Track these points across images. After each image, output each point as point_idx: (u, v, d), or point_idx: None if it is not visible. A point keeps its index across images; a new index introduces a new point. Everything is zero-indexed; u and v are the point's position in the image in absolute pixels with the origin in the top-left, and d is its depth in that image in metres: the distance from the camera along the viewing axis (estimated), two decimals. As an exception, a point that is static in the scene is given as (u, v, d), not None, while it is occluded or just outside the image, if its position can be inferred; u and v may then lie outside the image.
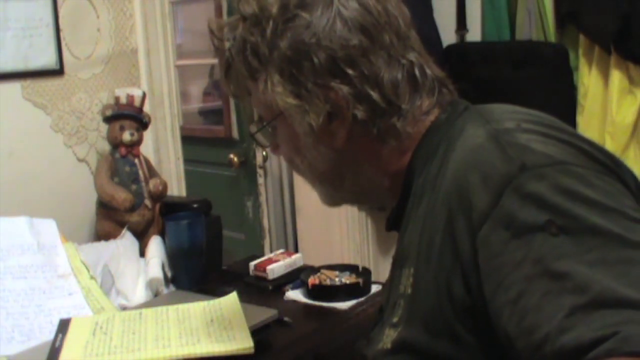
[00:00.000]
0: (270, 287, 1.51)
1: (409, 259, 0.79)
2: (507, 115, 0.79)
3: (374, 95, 0.82)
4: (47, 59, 1.67)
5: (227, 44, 0.88)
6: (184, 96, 3.33)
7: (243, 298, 1.26)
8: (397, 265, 0.84)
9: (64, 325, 1.18)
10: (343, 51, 0.81)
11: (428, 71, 0.86)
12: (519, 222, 0.65)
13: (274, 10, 0.83)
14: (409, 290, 0.77)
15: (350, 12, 0.82)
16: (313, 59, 0.81)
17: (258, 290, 1.51)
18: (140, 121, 1.69)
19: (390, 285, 0.88)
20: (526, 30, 2.31)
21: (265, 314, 1.24)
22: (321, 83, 0.81)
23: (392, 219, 0.91)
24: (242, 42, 0.85)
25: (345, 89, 0.81)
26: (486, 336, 0.68)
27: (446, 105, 0.87)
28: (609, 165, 0.72)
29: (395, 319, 0.79)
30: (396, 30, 0.84)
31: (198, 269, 1.52)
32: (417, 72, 0.84)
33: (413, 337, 0.75)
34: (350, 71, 0.81)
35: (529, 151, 0.70)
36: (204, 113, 3.39)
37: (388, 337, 0.79)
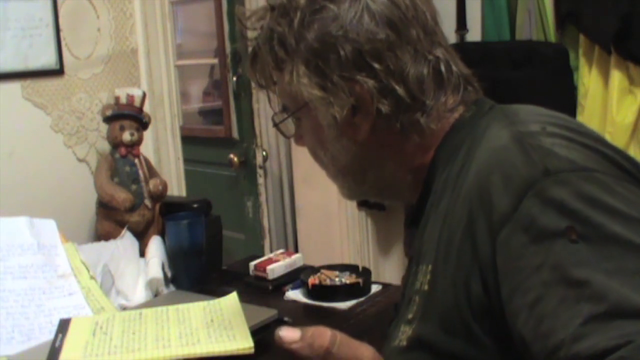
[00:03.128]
0: (270, 287, 1.51)
1: (427, 256, 0.79)
2: (533, 117, 0.78)
3: (399, 90, 0.82)
4: (47, 59, 1.67)
5: (254, 33, 0.88)
6: (184, 96, 3.34)
7: (243, 298, 1.26)
8: (414, 262, 0.83)
9: (64, 325, 1.18)
10: (369, 45, 0.81)
11: (454, 68, 0.86)
12: (539, 227, 0.65)
13: (302, 0, 0.83)
14: (426, 287, 0.77)
15: (378, 5, 0.82)
16: (339, 51, 0.81)
17: (258, 290, 1.51)
18: (140, 121, 1.69)
19: (406, 282, 0.87)
20: (526, 30, 2.31)
21: (265, 314, 1.24)
22: (346, 76, 0.82)
23: (411, 215, 0.91)
24: (269, 32, 0.86)
25: (370, 83, 0.81)
26: (502, 337, 0.68)
27: (471, 104, 0.86)
28: (633, 173, 0.71)
29: (410, 315, 0.79)
30: (423, 25, 0.84)
31: (198, 269, 1.52)
32: (442, 68, 0.84)
33: (429, 334, 0.75)
34: (376, 65, 0.81)
35: (552, 156, 0.69)
36: (204, 113, 3.39)
37: (403, 333, 0.79)
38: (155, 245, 1.58)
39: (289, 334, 0.76)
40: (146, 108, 1.75)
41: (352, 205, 2.60)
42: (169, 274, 1.52)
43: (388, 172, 0.88)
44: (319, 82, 0.83)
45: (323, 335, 0.74)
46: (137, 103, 1.68)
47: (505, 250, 0.67)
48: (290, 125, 0.92)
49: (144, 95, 1.71)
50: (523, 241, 0.65)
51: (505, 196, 0.68)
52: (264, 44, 0.87)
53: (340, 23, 0.81)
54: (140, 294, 1.44)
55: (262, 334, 1.19)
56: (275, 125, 0.94)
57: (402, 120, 0.83)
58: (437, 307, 0.74)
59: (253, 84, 0.97)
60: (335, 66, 0.82)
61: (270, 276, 1.53)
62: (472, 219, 0.71)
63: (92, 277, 1.39)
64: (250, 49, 0.90)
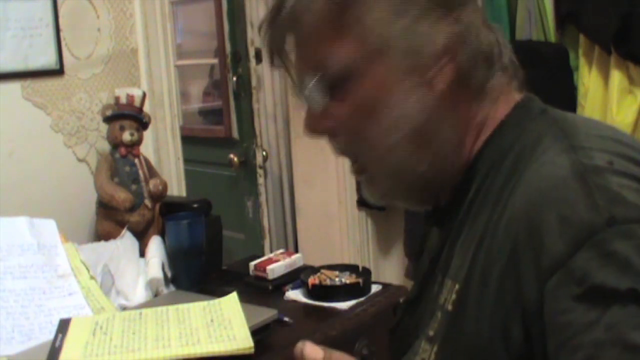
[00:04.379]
0: (270, 287, 1.51)
1: (456, 272, 0.73)
2: (596, 141, 0.69)
3: (479, 40, 0.75)
4: (47, 59, 1.67)
5: None
6: (184, 96, 3.33)
7: (243, 298, 1.26)
8: (439, 270, 0.78)
9: (64, 325, 1.18)
10: None
11: (504, 49, 0.79)
12: (596, 283, 0.59)
13: None
14: (450, 307, 0.72)
15: None
16: None
17: (258, 290, 1.51)
18: (140, 121, 1.69)
19: (425, 284, 0.82)
20: (526, 30, 2.31)
21: (265, 314, 1.24)
22: (434, 12, 0.73)
23: (438, 213, 0.84)
24: None
25: (455, 26, 0.73)
26: None
27: (518, 102, 0.79)
28: None
29: (431, 332, 0.74)
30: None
31: (198, 269, 1.52)
32: (495, 49, 0.77)
33: None
34: (459, 8, 0.74)
35: (620, 201, 0.61)
36: (204, 113, 3.39)
37: (425, 352, 0.74)
38: (155, 245, 1.58)
39: (312, 353, 0.71)
40: (146, 108, 1.75)
41: (352, 205, 2.60)
42: (169, 274, 1.52)
43: (446, 151, 0.77)
44: (403, 14, 0.72)
45: None
46: (137, 103, 1.68)
47: (554, 300, 0.61)
48: (324, 95, 0.77)
49: (144, 95, 1.71)
50: (575, 294, 0.59)
51: (559, 240, 0.61)
52: None
53: None
54: (140, 294, 1.44)
55: (262, 334, 1.19)
56: (304, 95, 0.77)
57: (476, 77, 0.75)
58: (464, 339, 0.69)
59: (273, 41, 0.78)
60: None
61: (270, 276, 1.53)
62: (518, 255, 0.64)
63: (92, 277, 1.39)
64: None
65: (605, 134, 0.71)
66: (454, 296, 0.72)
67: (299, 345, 0.71)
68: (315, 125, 0.79)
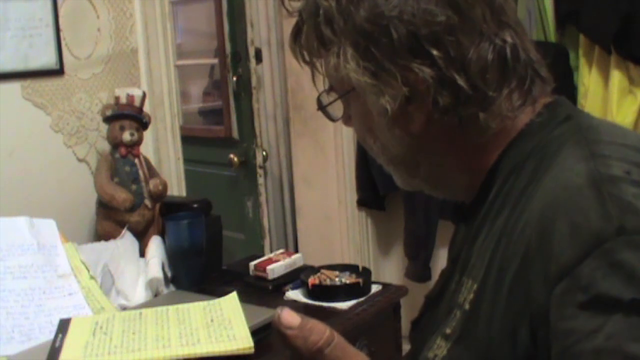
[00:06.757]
0: (270, 287, 1.51)
1: (474, 271, 0.74)
2: (617, 150, 0.69)
3: (459, 79, 0.72)
4: (47, 59, 1.67)
5: (299, 4, 0.80)
6: (184, 96, 3.34)
7: (243, 298, 1.26)
8: (459, 269, 0.79)
9: (64, 325, 1.18)
10: (427, 28, 0.71)
11: (522, 55, 0.75)
12: (600, 292, 0.59)
13: None
14: (467, 306, 0.72)
15: None
16: (392, 34, 0.72)
17: (258, 290, 1.51)
18: (140, 121, 1.69)
19: (446, 281, 0.83)
20: (526, 31, 2.30)
21: (265, 314, 1.24)
22: (400, 63, 0.72)
23: (463, 212, 0.84)
24: (314, 6, 0.76)
25: (427, 72, 0.72)
26: None
27: (542, 108, 0.77)
28: None
29: (448, 330, 0.74)
30: (490, 2, 0.74)
31: (198, 269, 1.52)
32: (509, 54, 0.73)
33: None
34: (434, 51, 0.71)
35: (631, 211, 0.61)
36: (204, 113, 3.39)
37: (439, 348, 0.75)
38: (155, 245, 1.58)
39: (289, 317, 0.75)
40: (146, 108, 1.75)
41: (352, 205, 2.60)
42: (169, 274, 1.53)
43: (442, 169, 0.81)
44: (368, 67, 0.74)
45: (320, 332, 0.73)
46: (137, 103, 1.68)
47: (559, 307, 0.61)
48: (337, 106, 0.83)
49: (144, 95, 1.71)
50: (580, 301, 0.60)
51: (569, 247, 0.62)
52: (308, 19, 0.78)
53: (393, 2, 0.72)
54: (140, 294, 1.44)
55: (262, 334, 1.19)
56: (321, 108, 0.84)
57: (460, 114, 0.74)
58: (476, 338, 0.70)
59: (298, 60, 0.83)
60: (387, 51, 0.72)
61: (270, 276, 1.53)
62: (529, 260, 0.65)
63: (92, 277, 1.39)
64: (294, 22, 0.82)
65: (629, 142, 0.71)
66: (471, 295, 0.72)
67: (277, 310, 0.74)
68: (345, 124, 0.86)
